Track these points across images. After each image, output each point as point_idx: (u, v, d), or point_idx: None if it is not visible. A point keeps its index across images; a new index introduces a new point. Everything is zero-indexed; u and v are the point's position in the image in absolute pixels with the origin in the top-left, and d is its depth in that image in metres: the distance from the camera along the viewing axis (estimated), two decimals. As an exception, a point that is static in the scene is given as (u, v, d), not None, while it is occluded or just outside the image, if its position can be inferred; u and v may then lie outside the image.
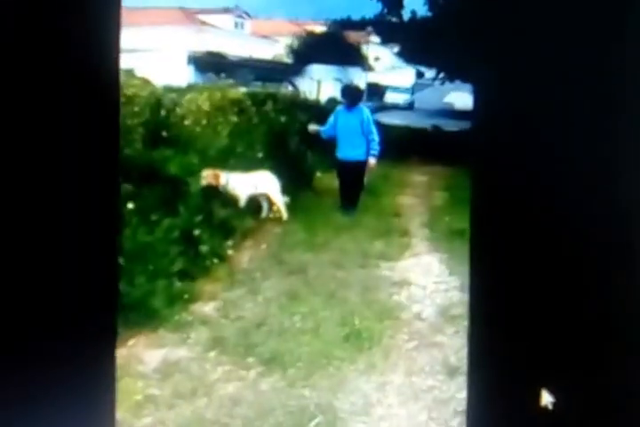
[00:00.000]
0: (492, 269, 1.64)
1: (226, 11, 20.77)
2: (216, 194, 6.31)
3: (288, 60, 19.26)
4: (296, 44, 19.44)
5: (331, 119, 7.77)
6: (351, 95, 7.88)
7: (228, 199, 6.45)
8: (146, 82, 14.83)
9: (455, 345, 4.33)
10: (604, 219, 1.49)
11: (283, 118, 9.50)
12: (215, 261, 5.28)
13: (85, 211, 1.55)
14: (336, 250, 6.00)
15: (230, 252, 5.53)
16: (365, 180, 7.71)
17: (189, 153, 6.40)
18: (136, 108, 7.13)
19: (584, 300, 1.51)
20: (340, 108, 7.91)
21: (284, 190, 7.23)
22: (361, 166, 7.51)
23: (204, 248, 5.32)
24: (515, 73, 1.56)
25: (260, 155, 7.50)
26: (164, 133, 6.64)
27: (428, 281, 5.49)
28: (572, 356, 1.51)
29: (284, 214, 7.02)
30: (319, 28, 19.77)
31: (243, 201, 6.75)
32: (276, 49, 20.28)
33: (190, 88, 12.62)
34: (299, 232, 6.42)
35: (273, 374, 3.69)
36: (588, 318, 1.50)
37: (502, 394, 1.60)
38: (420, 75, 23.72)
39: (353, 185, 7.53)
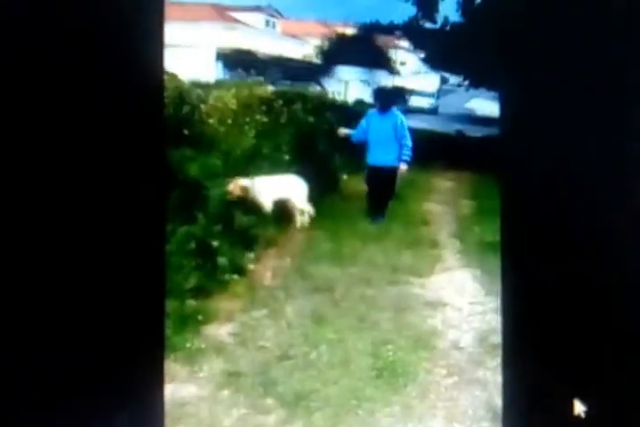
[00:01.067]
0: (524, 284, 1.62)
1: (258, 9, 20.12)
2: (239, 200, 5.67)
3: (317, 60, 18.58)
4: (325, 44, 18.75)
5: (362, 123, 7.00)
6: (385, 98, 7.13)
7: (250, 205, 5.79)
8: (173, 77, 14.15)
9: (498, 381, 3.67)
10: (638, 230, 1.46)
11: (311, 119, 8.82)
12: (235, 276, 4.58)
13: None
14: (364, 263, 5.29)
15: (251, 266, 4.84)
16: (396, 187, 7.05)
17: (212, 154, 5.75)
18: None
19: (615, 313, 1.50)
20: (372, 111, 7.16)
21: (310, 195, 6.57)
22: (392, 173, 6.78)
23: (222, 261, 4.63)
24: (542, 83, 1.56)
25: (287, 157, 6.82)
26: (186, 132, 5.98)
27: (463, 302, 4.79)
28: (603, 368, 1.50)
29: (307, 219, 6.31)
30: (349, 31, 19.04)
31: (267, 207, 6.01)
32: (306, 49, 19.61)
33: (218, 84, 12.01)
34: (325, 242, 5.71)
35: (296, 420, 3.01)
36: (619, 330, 1.49)
37: (537, 403, 1.59)
38: (444, 80, 22.93)
39: (383, 192, 6.80)
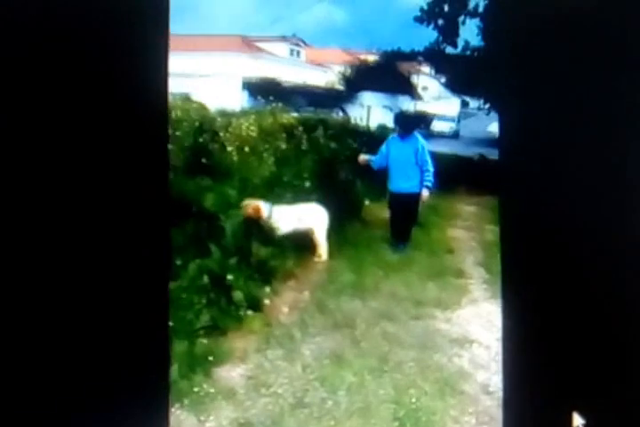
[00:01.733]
0: (525, 299, 1.61)
1: (283, 39, 19.98)
2: (256, 229, 5.29)
3: (340, 87, 18.33)
4: (348, 71, 18.47)
5: (382, 148, 6.57)
6: (405, 123, 6.72)
7: (268, 235, 5.43)
8: (201, 106, 14.02)
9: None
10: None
11: (333, 145, 8.48)
12: (250, 312, 4.17)
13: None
14: (386, 296, 4.86)
15: (267, 301, 4.42)
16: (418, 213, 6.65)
17: (229, 183, 5.42)
18: (178, 133, 6.21)
19: (613, 328, 1.50)
20: (392, 136, 6.69)
21: (331, 222, 6.19)
22: (414, 199, 6.33)
23: (237, 295, 4.24)
24: (542, 106, 1.58)
25: (308, 184, 6.47)
26: (204, 160, 5.68)
27: (490, 338, 4.35)
28: (601, 382, 1.51)
29: (324, 255, 5.80)
30: (371, 58, 18.79)
31: (286, 235, 5.61)
32: (329, 76, 19.39)
33: (244, 113, 11.80)
34: (345, 273, 5.27)
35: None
36: (618, 345, 1.49)
37: (538, 417, 1.60)
38: (465, 104, 22.54)
39: (405, 219, 6.36)
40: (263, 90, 15.45)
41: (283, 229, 5.52)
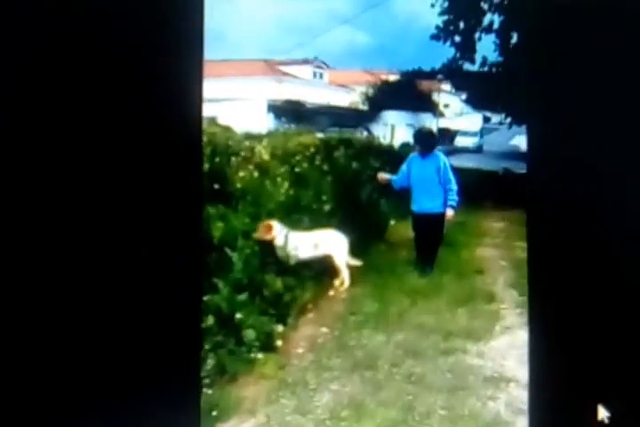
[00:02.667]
0: (551, 303, 1.60)
1: (305, 62, 19.57)
2: (270, 258, 4.73)
3: (363, 107, 17.80)
4: (371, 91, 17.94)
5: (403, 168, 5.96)
6: (425, 140, 6.11)
7: (284, 264, 4.87)
8: (226, 129, 13.60)
9: None
10: None
11: (355, 164, 7.92)
12: (260, 355, 3.58)
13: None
14: (413, 328, 4.21)
15: (279, 342, 3.81)
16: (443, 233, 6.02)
17: (242, 210, 4.88)
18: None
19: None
20: (412, 155, 6.08)
21: (355, 245, 5.61)
22: (439, 220, 5.71)
23: (249, 335, 3.69)
24: (568, 118, 1.53)
25: (328, 207, 5.91)
26: (216, 186, 5.16)
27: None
28: (626, 374, 1.47)
29: (347, 282, 5.18)
30: (393, 77, 18.26)
31: (299, 261, 5.04)
32: (352, 97, 18.90)
33: (269, 135, 11.38)
34: (368, 302, 4.64)
35: None
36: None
37: (562, 408, 1.56)
38: (486, 119, 21.84)
39: (430, 241, 5.73)
40: (288, 112, 15.06)
41: (300, 256, 4.97)
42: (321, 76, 22.07)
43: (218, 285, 3.74)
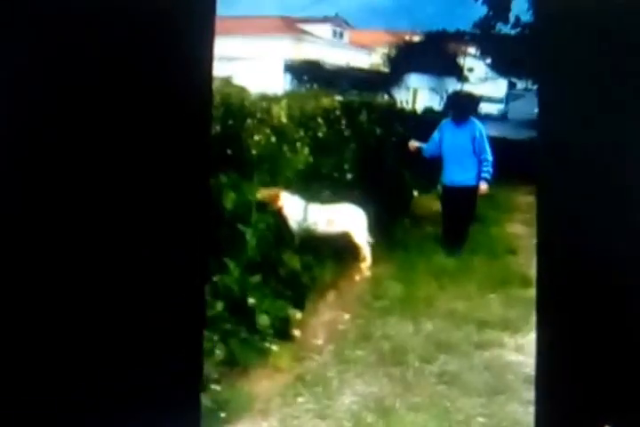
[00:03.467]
0: (561, 311, 1.52)
1: (325, 20, 18.75)
2: (286, 234, 4.29)
3: (384, 69, 17.09)
4: (393, 53, 17.18)
5: (435, 135, 5.45)
6: (462, 106, 5.59)
7: (302, 239, 4.42)
8: (241, 89, 13.05)
9: None
10: None
11: (378, 130, 7.42)
12: (274, 346, 3.16)
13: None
14: (443, 315, 3.81)
15: (297, 332, 3.39)
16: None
17: (257, 179, 4.43)
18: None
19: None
20: (445, 121, 5.55)
21: (377, 219, 5.17)
22: (471, 194, 5.24)
23: (263, 320, 3.30)
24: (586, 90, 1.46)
25: (350, 176, 5.45)
26: (229, 152, 4.70)
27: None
28: (632, 395, 1.43)
29: (368, 260, 4.70)
30: (416, 38, 17.44)
31: (312, 236, 4.53)
32: (373, 58, 18.16)
33: (285, 96, 10.85)
34: (393, 285, 4.20)
35: None
36: None
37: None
38: (512, 85, 21.04)
39: (461, 217, 5.26)
40: (305, 73, 14.43)
41: (319, 231, 4.53)
42: (341, 35, 21.19)
43: (228, 265, 3.33)
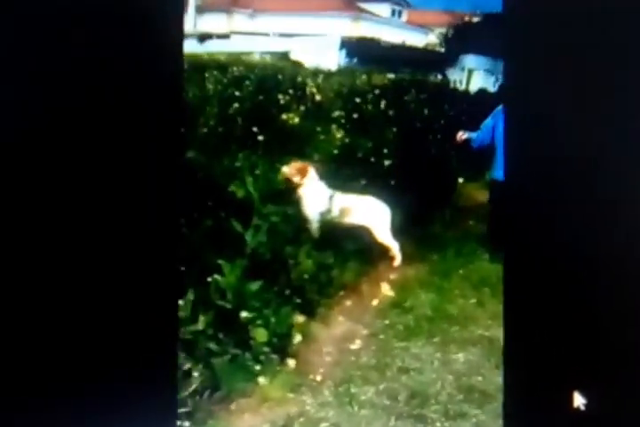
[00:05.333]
0: (528, 284, 1.51)
1: (385, -1, 17.53)
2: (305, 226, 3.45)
3: (440, 48, 15.83)
4: (450, 33, 15.89)
5: (487, 121, 4.33)
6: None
7: (324, 232, 3.58)
8: (297, 64, 12.25)
9: None
10: None
11: (426, 111, 6.44)
12: (267, 369, 2.36)
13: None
14: (482, 343, 2.86)
15: (290, 362, 2.46)
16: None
17: (281, 161, 3.61)
18: (237, 93, 4.45)
19: (611, 314, 1.43)
20: (501, 108, 4.31)
21: (413, 210, 4.27)
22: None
23: (259, 336, 2.55)
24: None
25: (388, 162, 4.55)
26: (255, 129, 3.89)
27: None
28: (599, 364, 1.41)
29: (398, 260, 3.82)
30: (474, 19, 16.05)
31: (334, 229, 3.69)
32: (430, 38, 16.88)
33: (338, 72, 9.96)
34: (420, 296, 3.28)
35: None
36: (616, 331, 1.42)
37: (538, 396, 1.46)
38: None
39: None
40: (361, 50, 13.41)
41: (334, 222, 3.65)
42: (399, 14, 19.80)
43: (225, 269, 2.55)
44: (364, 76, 7.85)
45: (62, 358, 1.42)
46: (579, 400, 1.41)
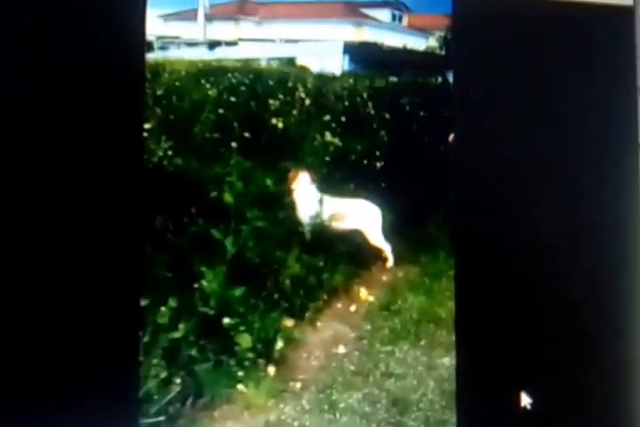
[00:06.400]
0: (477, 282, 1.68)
1: (386, 4, 17.44)
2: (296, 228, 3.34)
3: (441, 52, 15.68)
4: (450, 36, 15.72)
5: None
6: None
7: (314, 236, 3.45)
8: (302, 69, 12.13)
9: None
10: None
11: (422, 113, 6.31)
12: (245, 389, 2.27)
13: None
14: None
15: (281, 344, 2.44)
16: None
17: (271, 165, 3.50)
18: (232, 98, 4.34)
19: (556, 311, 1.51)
20: None
21: (405, 212, 4.14)
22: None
23: (244, 341, 2.47)
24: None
25: (379, 164, 4.41)
26: (247, 135, 3.77)
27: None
28: (545, 364, 1.47)
29: (391, 260, 3.75)
30: (474, 23, 15.84)
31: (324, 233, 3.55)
32: (430, 42, 16.77)
33: (341, 76, 9.82)
34: (407, 298, 3.08)
35: None
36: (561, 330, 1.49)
37: (488, 396, 1.54)
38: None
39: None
40: (363, 54, 13.29)
41: (334, 228, 3.55)
42: (400, 18, 19.74)
43: (207, 275, 2.45)
44: (365, 80, 7.73)
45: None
46: (525, 400, 1.50)
